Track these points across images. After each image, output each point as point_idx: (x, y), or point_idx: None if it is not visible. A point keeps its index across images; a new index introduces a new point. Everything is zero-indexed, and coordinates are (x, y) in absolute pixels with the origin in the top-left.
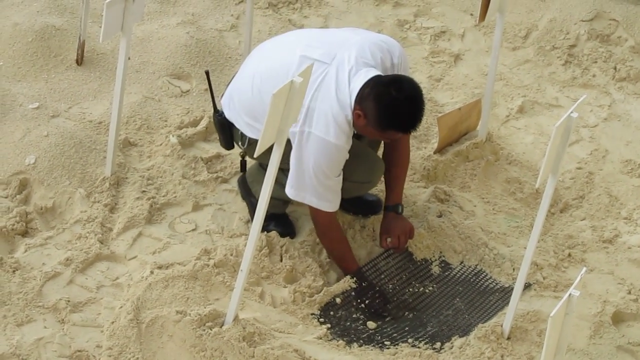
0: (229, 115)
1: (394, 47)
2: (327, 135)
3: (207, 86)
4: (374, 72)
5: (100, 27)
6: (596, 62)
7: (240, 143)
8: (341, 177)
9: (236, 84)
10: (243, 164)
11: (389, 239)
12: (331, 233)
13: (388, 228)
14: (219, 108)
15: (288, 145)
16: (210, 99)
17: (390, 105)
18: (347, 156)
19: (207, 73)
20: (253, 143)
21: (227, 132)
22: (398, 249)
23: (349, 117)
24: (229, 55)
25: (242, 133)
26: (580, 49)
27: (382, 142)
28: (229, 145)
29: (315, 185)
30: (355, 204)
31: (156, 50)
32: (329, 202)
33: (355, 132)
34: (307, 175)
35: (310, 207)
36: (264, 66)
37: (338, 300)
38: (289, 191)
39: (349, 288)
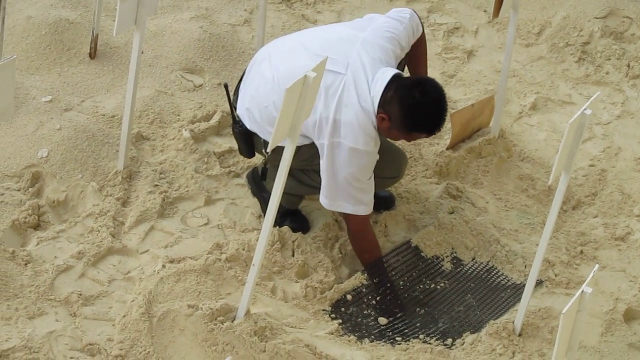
0: (250, 126)
1: (400, 33)
2: (357, 144)
3: (220, 80)
4: (391, 72)
5: (114, 20)
6: (609, 59)
7: (264, 150)
8: (372, 178)
9: (248, 95)
10: (264, 171)
11: None
12: (365, 237)
13: None
14: (236, 118)
15: (305, 146)
16: (229, 110)
17: (415, 108)
18: (377, 157)
19: (225, 87)
20: (277, 150)
21: (249, 141)
22: None
23: (374, 123)
24: (242, 50)
25: (264, 140)
26: (593, 46)
27: None
28: (251, 155)
29: (349, 191)
30: None
31: (169, 45)
32: (364, 206)
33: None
34: (340, 184)
35: (344, 215)
36: (279, 78)
37: (349, 297)
38: (324, 201)
39: (360, 284)
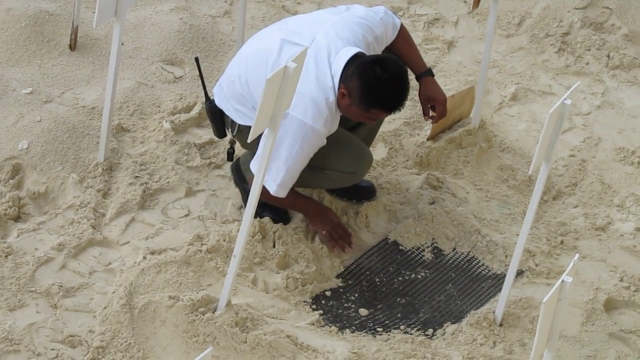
0: (218, 102)
1: (374, 22)
2: (305, 117)
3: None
4: (354, 50)
5: (94, 12)
6: (589, 49)
7: (230, 130)
8: (304, 165)
9: (225, 71)
10: (230, 152)
11: (431, 108)
12: (283, 202)
13: (431, 95)
14: (210, 96)
15: None
16: (202, 86)
17: (374, 83)
18: (324, 142)
19: (197, 60)
20: (243, 130)
21: (218, 119)
22: (439, 118)
23: (330, 100)
24: (222, 42)
25: (232, 120)
26: (573, 36)
27: (375, 134)
28: (221, 134)
29: (281, 170)
30: (349, 189)
31: (149, 36)
32: (286, 189)
33: (341, 115)
34: (278, 158)
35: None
36: (249, 53)
37: (328, 293)
38: (254, 167)
39: (336, 286)
